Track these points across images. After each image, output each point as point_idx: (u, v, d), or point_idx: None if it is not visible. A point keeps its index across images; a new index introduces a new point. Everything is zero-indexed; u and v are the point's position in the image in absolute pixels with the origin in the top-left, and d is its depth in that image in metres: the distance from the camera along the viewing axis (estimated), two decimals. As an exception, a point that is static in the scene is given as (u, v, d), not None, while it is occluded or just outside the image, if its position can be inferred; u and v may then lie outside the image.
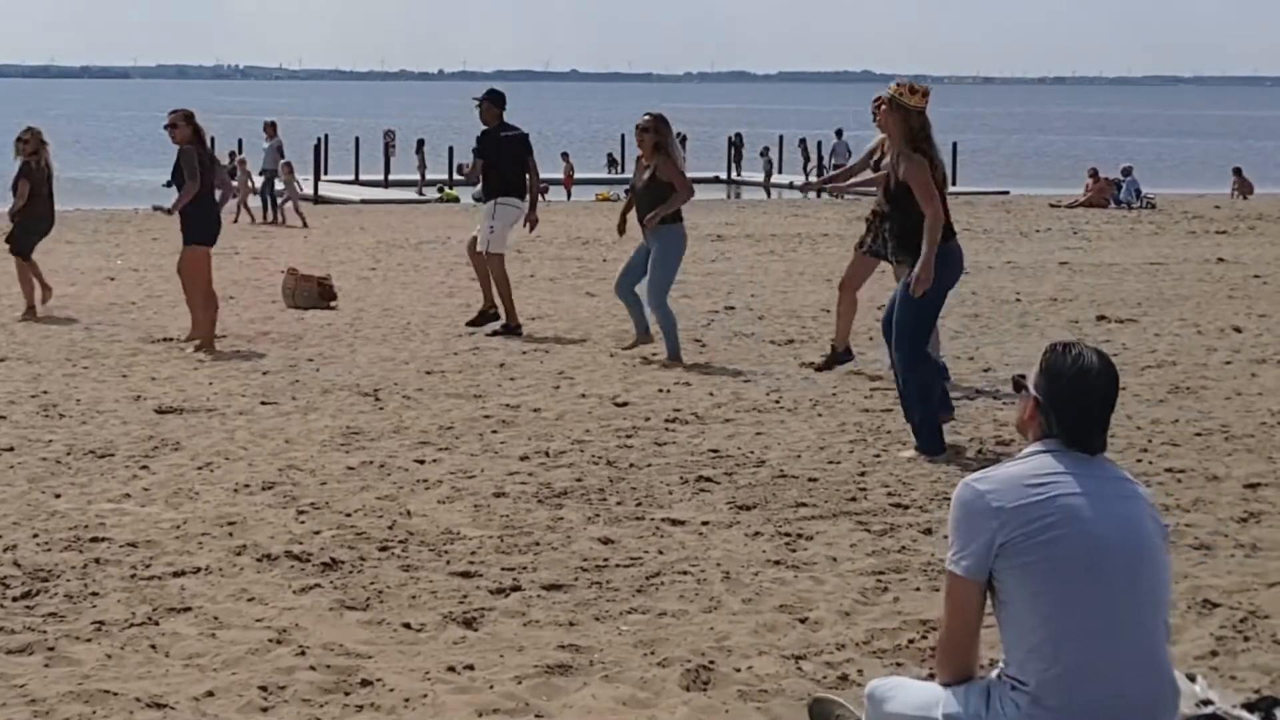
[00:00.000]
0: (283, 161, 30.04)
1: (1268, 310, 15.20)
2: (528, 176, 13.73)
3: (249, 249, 22.18)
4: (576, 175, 45.04)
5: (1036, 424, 3.93)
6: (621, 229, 12.63)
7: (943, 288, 8.82)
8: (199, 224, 12.65)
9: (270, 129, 30.93)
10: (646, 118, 12.00)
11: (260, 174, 30.13)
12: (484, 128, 13.68)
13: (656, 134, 11.84)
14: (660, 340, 11.97)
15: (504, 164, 13.59)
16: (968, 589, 3.84)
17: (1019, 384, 4.05)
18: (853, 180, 11.00)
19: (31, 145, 14.98)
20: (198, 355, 12.14)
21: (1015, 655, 3.85)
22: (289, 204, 29.35)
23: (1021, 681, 3.80)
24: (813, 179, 43.05)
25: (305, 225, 27.47)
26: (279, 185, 29.70)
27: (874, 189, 10.32)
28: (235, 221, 27.38)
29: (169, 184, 13.16)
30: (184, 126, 12.66)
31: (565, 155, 45.66)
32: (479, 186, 14.39)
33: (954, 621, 3.91)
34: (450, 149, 45.86)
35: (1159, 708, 3.84)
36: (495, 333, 13.43)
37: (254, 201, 29.46)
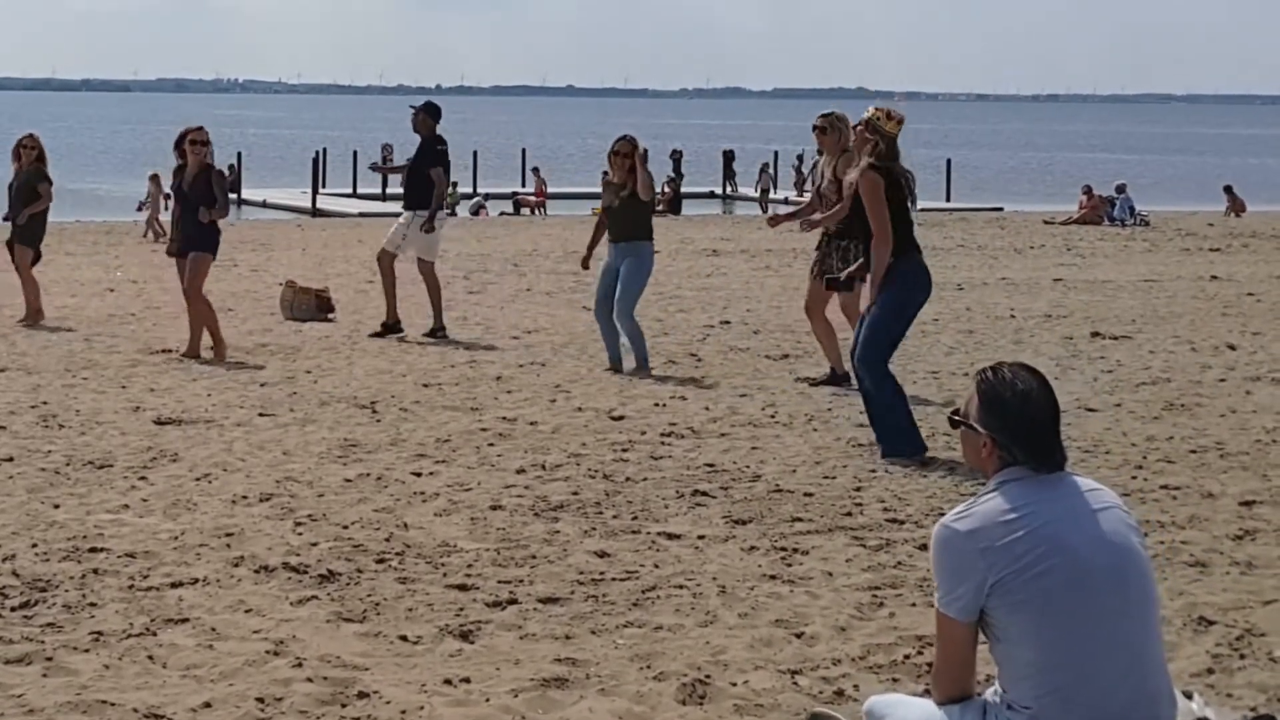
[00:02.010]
0: (150, 173, 30.24)
1: (1261, 328, 15.22)
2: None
3: (247, 261, 22.18)
4: (575, 190, 45.30)
5: (996, 458, 3.91)
6: (586, 264, 13.07)
7: (914, 305, 9.11)
8: (212, 235, 12.89)
9: None
10: (624, 143, 12.27)
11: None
12: (427, 137, 14.18)
13: (634, 159, 12.16)
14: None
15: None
16: (960, 628, 3.85)
17: (957, 422, 4.00)
18: (819, 216, 11.14)
19: (37, 150, 15.08)
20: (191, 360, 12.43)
21: (1011, 679, 3.85)
22: (150, 217, 29.12)
23: (1020, 704, 3.81)
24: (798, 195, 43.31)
25: (156, 240, 26.97)
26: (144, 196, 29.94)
27: (833, 220, 10.69)
28: (145, 237, 27.51)
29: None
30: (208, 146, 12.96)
31: (536, 170, 46.18)
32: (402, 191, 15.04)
33: (948, 655, 3.92)
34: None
35: (1156, 725, 3.86)
36: (427, 334, 13.84)
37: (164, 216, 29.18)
